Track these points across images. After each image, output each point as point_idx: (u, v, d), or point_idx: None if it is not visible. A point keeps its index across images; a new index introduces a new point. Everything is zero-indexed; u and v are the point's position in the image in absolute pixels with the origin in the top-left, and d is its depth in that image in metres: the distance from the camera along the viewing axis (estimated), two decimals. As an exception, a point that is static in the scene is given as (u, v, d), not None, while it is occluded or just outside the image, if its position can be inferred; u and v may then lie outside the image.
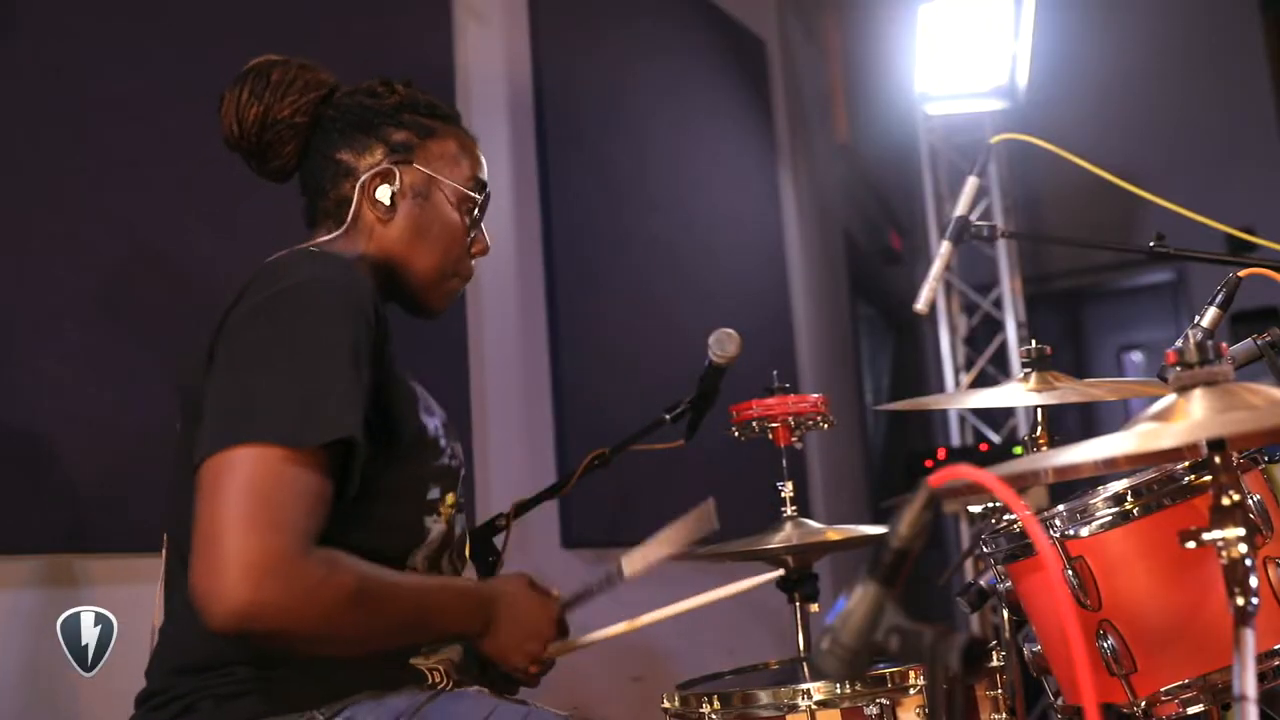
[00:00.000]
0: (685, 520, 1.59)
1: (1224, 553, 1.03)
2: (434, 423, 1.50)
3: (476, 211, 1.60)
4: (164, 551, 1.49)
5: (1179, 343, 1.09)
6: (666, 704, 1.64)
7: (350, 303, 1.33)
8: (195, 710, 1.35)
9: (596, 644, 1.63)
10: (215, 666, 1.35)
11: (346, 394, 1.28)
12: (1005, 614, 2.10)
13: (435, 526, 1.47)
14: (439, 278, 1.59)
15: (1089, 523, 1.55)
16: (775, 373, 1.85)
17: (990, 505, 2.04)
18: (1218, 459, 1.07)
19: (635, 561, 1.58)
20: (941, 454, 5.12)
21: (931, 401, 2.22)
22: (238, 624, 1.20)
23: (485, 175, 1.63)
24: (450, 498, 1.49)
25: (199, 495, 1.24)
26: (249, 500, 1.21)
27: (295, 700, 1.35)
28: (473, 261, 1.64)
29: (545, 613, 1.52)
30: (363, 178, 1.54)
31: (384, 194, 1.54)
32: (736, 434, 1.83)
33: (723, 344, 1.81)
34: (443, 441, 1.50)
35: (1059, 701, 1.74)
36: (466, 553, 1.59)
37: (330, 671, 1.36)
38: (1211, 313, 1.74)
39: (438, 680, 1.44)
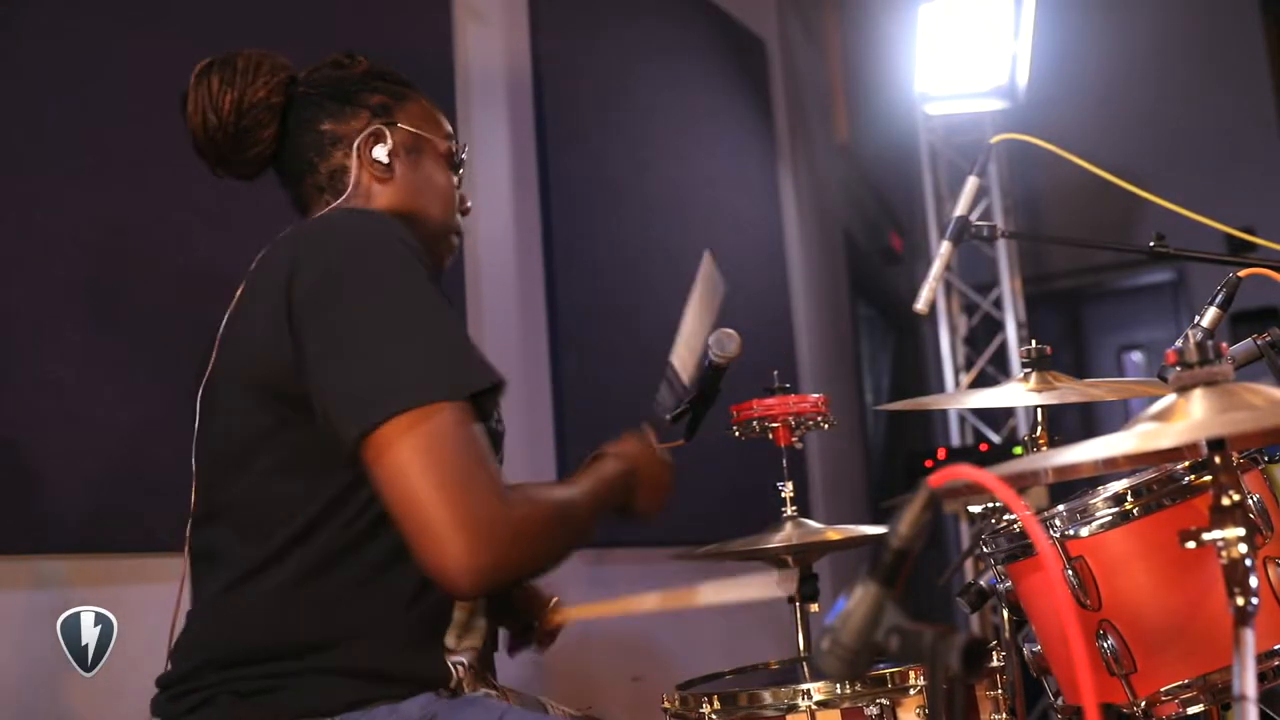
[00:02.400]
0: (697, 291, 1.74)
1: (1224, 553, 1.03)
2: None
3: (457, 166, 1.65)
4: (189, 532, 1.47)
5: (1179, 343, 1.09)
6: (666, 704, 1.64)
7: (414, 250, 1.35)
8: (213, 704, 1.35)
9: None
10: (243, 663, 1.35)
11: (468, 342, 1.33)
12: (1005, 614, 2.10)
13: None
14: (443, 231, 1.62)
15: (1089, 523, 1.55)
16: (775, 373, 1.86)
17: (990, 505, 2.04)
18: (1218, 459, 1.07)
19: (680, 354, 1.73)
20: (941, 454, 5.12)
21: (931, 401, 2.22)
22: (481, 586, 1.25)
23: (454, 135, 1.67)
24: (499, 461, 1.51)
25: (381, 475, 1.25)
26: (437, 466, 1.23)
27: (311, 706, 1.34)
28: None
29: (662, 462, 1.65)
30: (356, 140, 1.55)
31: (381, 153, 1.56)
32: (736, 434, 1.83)
33: (723, 344, 1.80)
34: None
35: (1059, 701, 1.74)
36: None
37: (354, 673, 1.35)
38: (1211, 313, 1.74)
39: (462, 675, 1.43)
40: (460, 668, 1.44)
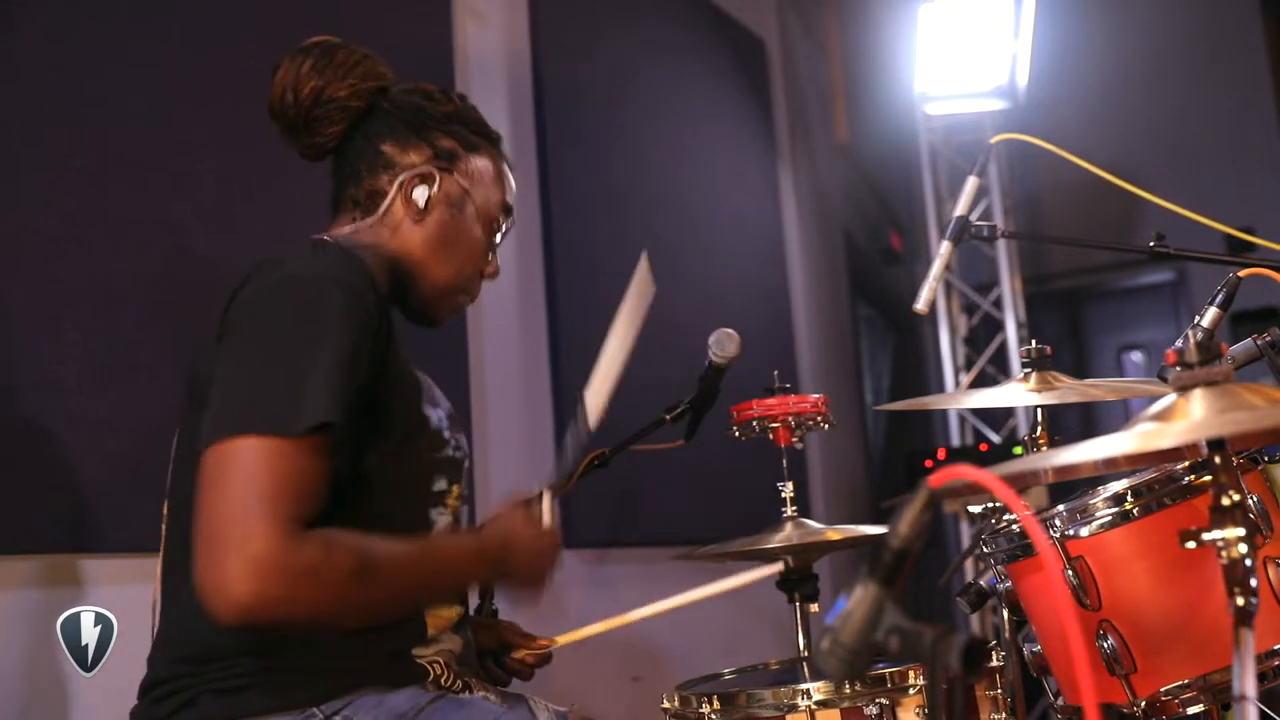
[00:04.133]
0: (626, 302, 1.68)
1: (1224, 553, 1.03)
2: (437, 414, 1.50)
3: (499, 235, 1.63)
4: (164, 531, 1.48)
5: (1179, 343, 1.09)
6: (666, 704, 1.64)
7: (347, 295, 1.34)
8: (195, 705, 1.36)
9: (600, 635, 1.65)
10: (217, 658, 1.36)
11: (328, 381, 1.29)
12: (1005, 614, 2.10)
13: (441, 519, 1.48)
14: (451, 290, 1.60)
15: (1089, 523, 1.55)
16: (775, 373, 1.86)
17: (990, 505, 2.04)
18: (1218, 459, 1.07)
19: (595, 394, 1.66)
20: (941, 454, 5.12)
21: (931, 401, 2.22)
22: (243, 617, 1.21)
23: (513, 201, 1.66)
24: (456, 489, 1.51)
25: (200, 486, 1.26)
26: (245, 493, 1.23)
27: (296, 696, 1.35)
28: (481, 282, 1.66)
29: (548, 537, 1.54)
30: (402, 175, 1.55)
31: (420, 195, 1.55)
32: (737, 434, 1.83)
33: (723, 344, 1.81)
34: (446, 433, 1.50)
35: (1059, 701, 1.74)
36: None
37: (333, 668, 1.36)
38: (1211, 313, 1.74)
39: (439, 674, 1.43)
40: (437, 665, 1.44)
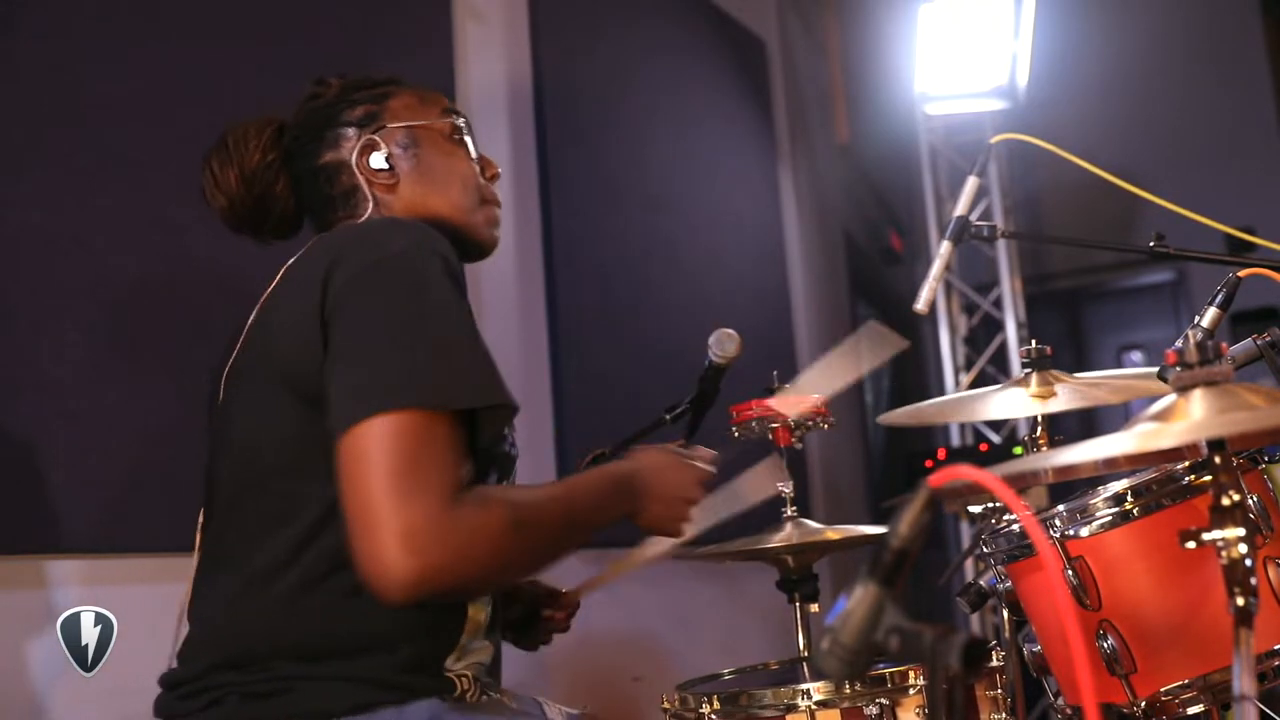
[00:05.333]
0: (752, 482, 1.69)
1: (1224, 553, 1.03)
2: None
3: (464, 136, 1.62)
4: (199, 531, 1.47)
5: (1179, 343, 1.09)
6: (666, 704, 1.64)
7: (450, 265, 1.35)
8: (221, 704, 1.35)
9: (623, 574, 1.66)
10: (252, 663, 1.35)
11: (487, 357, 1.33)
12: (1005, 614, 2.10)
13: None
14: (470, 208, 1.60)
15: (1089, 523, 1.56)
16: (775, 373, 1.85)
17: (990, 505, 2.04)
18: (1218, 459, 1.07)
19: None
20: (941, 454, 5.12)
21: (933, 415, 2.21)
22: (412, 594, 1.21)
23: (451, 104, 1.65)
24: (504, 485, 1.51)
25: (343, 469, 1.25)
26: (396, 469, 1.22)
27: (317, 708, 1.34)
28: (494, 185, 1.65)
29: (690, 476, 1.56)
30: (353, 160, 1.56)
31: (379, 160, 1.56)
32: (736, 434, 1.83)
33: (723, 344, 1.81)
34: (506, 427, 1.50)
35: (1059, 701, 1.74)
36: None
37: (362, 679, 1.35)
38: (1211, 313, 1.74)
39: (465, 687, 1.43)
40: (465, 680, 1.44)
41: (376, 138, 1.57)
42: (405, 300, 1.32)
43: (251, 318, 1.46)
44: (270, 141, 1.59)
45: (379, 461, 1.22)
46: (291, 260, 1.45)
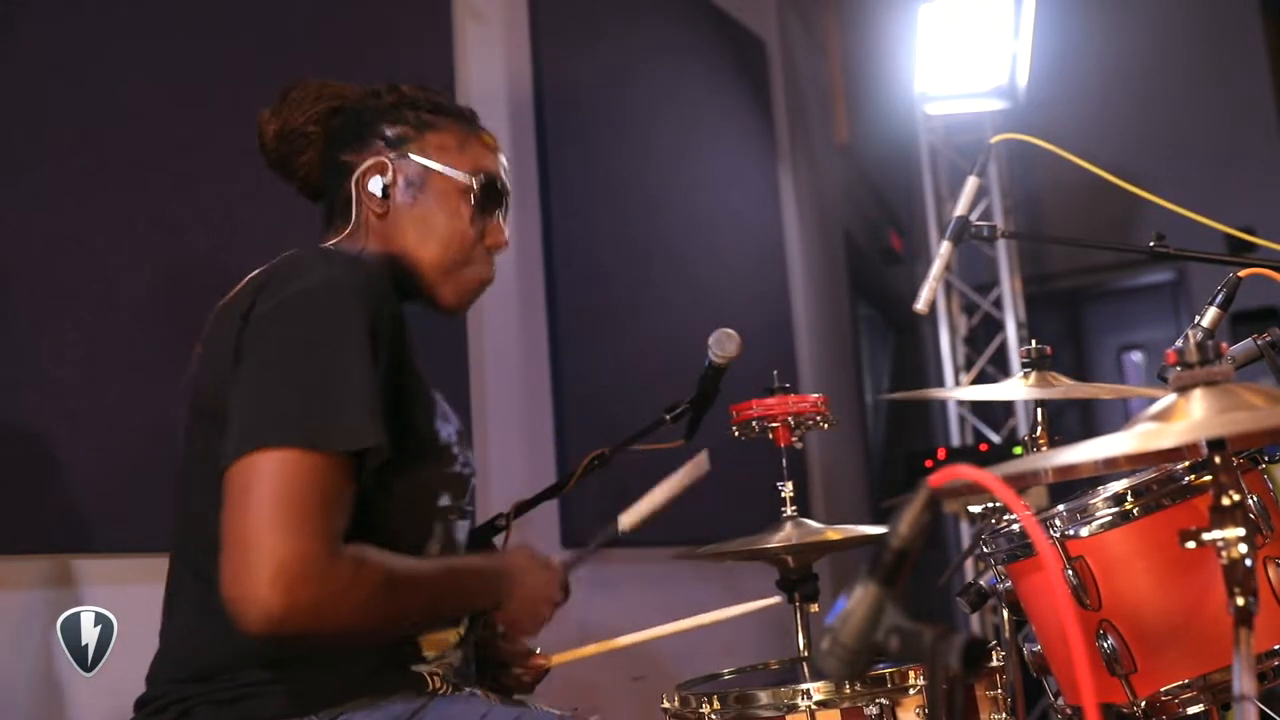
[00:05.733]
0: (680, 473, 1.69)
1: (1224, 553, 1.03)
2: (448, 430, 1.51)
3: (479, 202, 1.57)
4: (171, 555, 1.49)
5: (1179, 343, 1.09)
6: (666, 704, 1.64)
7: (367, 306, 1.34)
8: (192, 715, 1.36)
9: (597, 655, 1.66)
10: (216, 671, 1.36)
11: (369, 400, 1.30)
12: (1005, 614, 2.10)
13: (440, 531, 1.48)
14: (446, 268, 1.57)
15: (1089, 523, 1.55)
16: (775, 373, 1.85)
17: (990, 505, 2.04)
18: (1218, 459, 1.07)
19: (631, 515, 1.67)
20: (941, 454, 5.12)
21: (933, 391, 2.21)
22: (273, 628, 1.21)
23: (496, 167, 1.61)
24: (458, 504, 1.51)
25: (227, 499, 1.25)
26: (277, 504, 1.22)
27: (293, 705, 1.35)
28: (493, 256, 1.62)
29: (551, 577, 1.59)
30: (356, 173, 1.55)
31: (375, 186, 1.55)
32: (736, 434, 1.83)
33: (723, 344, 1.80)
34: (455, 449, 1.50)
35: (1059, 701, 1.74)
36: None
37: (329, 677, 1.37)
38: (1211, 313, 1.74)
39: (437, 685, 1.44)
40: (436, 678, 1.44)
41: (389, 162, 1.55)
42: (301, 338, 1.32)
43: (202, 339, 1.47)
44: (320, 115, 1.60)
45: (263, 494, 1.23)
46: (231, 293, 1.46)
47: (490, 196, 1.59)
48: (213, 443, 1.33)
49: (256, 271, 1.44)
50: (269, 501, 1.22)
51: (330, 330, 1.32)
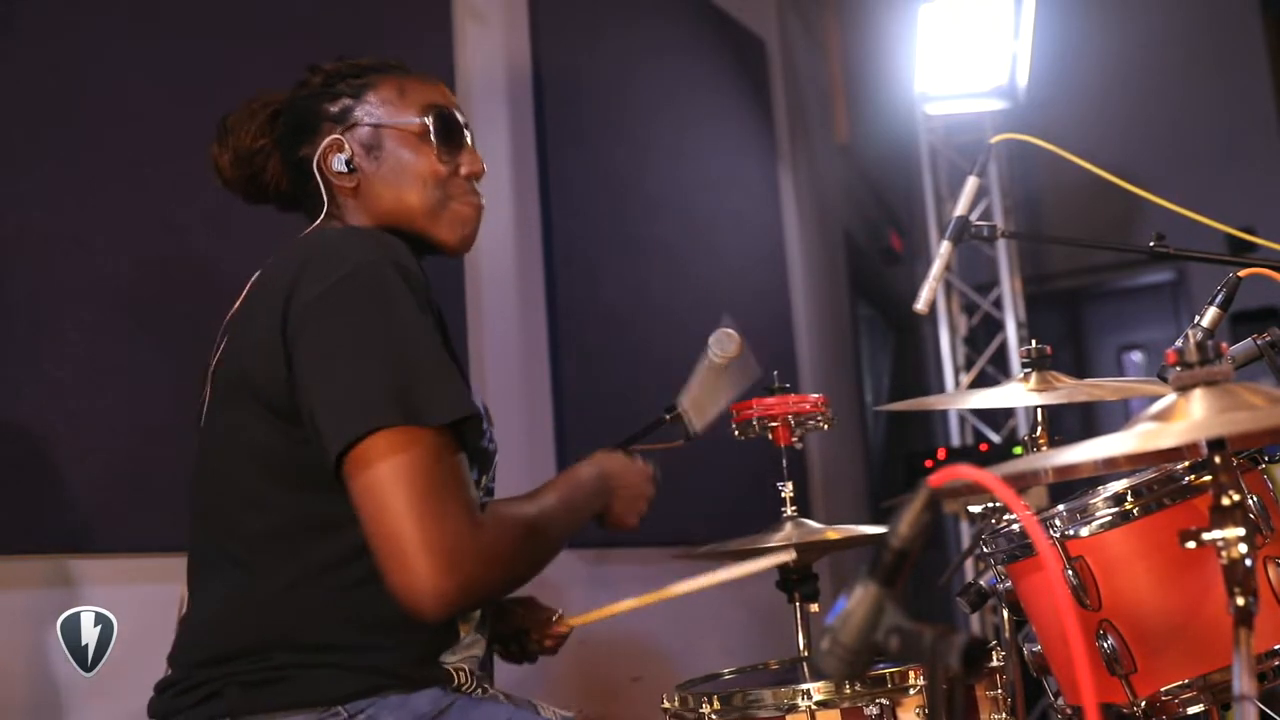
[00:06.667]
0: (717, 360, 1.75)
1: (1224, 553, 1.03)
2: (479, 403, 1.51)
3: (439, 136, 1.56)
4: (191, 536, 1.48)
5: (1179, 343, 1.09)
6: (666, 704, 1.64)
7: (411, 280, 1.36)
8: (220, 696, 1.36)
9: (614, 616, 1.69)
10: (246, 654, 1.36)
11: (454, 370, 1.35)
12: (1005, 614, 2.10)
13: None
14: (431, 210, 1.56)
15: (1089, 523, 1.55)
16: (775, 373, 1.85)
17: (990, 505, 2.04)
18: (1218, 459, 1.07)
19: (699, 414, 1.76)
20: (941, 454, 5.12)
21: (932, 401, 2.22)
22: (452, 611, 1.28)
23: (443, 98, 1.61)
24: (483, 480, 1.53)
25: (356, 491, 1.28)
26: (410, 489, 1.26)
27: (322, 694, 1.35)
28: (474, 185, 1.61)
29: (643, 471, 1.70)
30: (316, 158, 1.56)
31: (339, 164, 1.55)
32: (736, 434, 1.83)
33: (723, 344, 1.80)
34: (485, 423, 1.51)
35: (1059, 701, 1.74)
36: None
37: (360, 668, 1.36)
38: (1211, 313, 1.74)
39: (463, 681, 1.44)
40: (462, 673, 1.44)
41: (342, 138, 1.56)
42: (372, 318, 1.33)
43: (228, 320, 1.48)
44: (264, 126, 1.61)
45: (393, 480, 1.25)
46: (266, 264, 1.47)
47: (449, 128, 1.59)
48: (245, 420, 1.37)
49: (282, 250, 1.45)
50: (401, 489, 1.25)
51: (392, 309, 1.34)
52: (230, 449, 1.41)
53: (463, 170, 1.59)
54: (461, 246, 1.60)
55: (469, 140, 1.62)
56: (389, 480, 1.25)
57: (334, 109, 1.58)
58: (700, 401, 1.75)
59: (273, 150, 1.61)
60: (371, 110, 1.57)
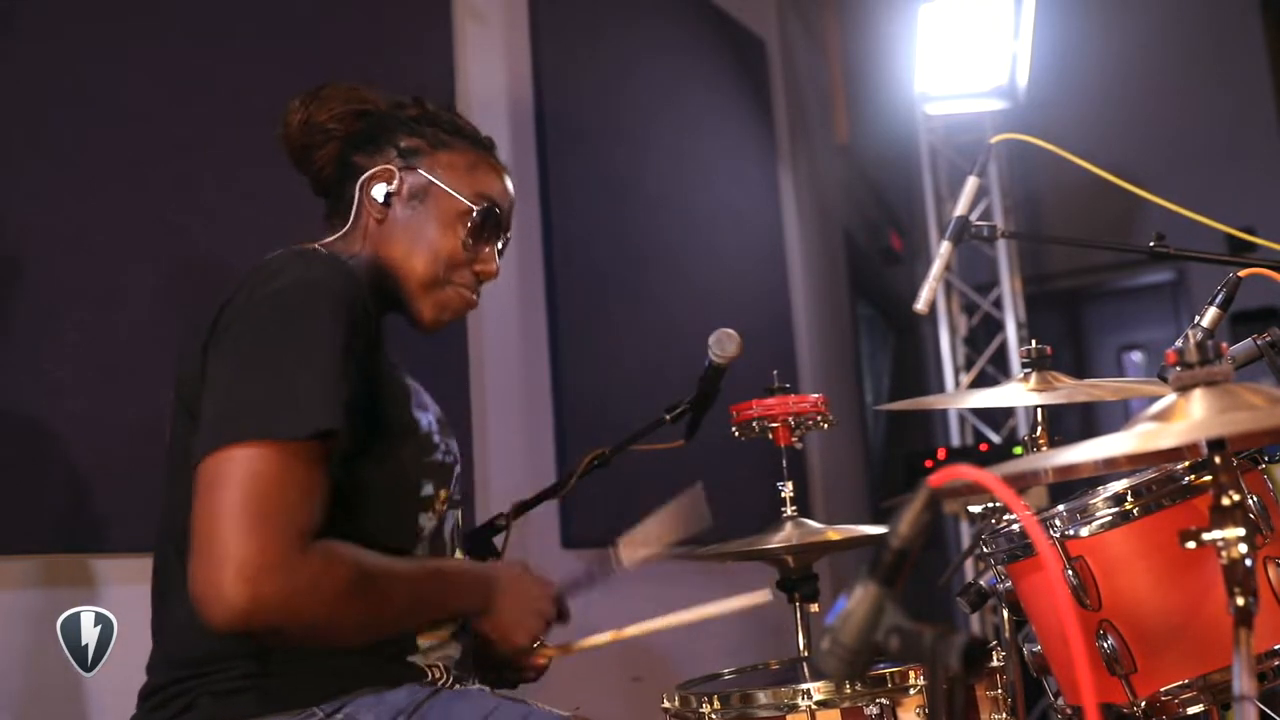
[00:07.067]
0: (675, 508, 1.67)
1: (1224, 553, 1.03)
2: (427, 418, 1.51)
3: (476, 228, 1.59)
4: (157, 546, 1.49)
5: (1179, 343, 1.09)
6: (666, 704, 1.64)
7: (335, 302, 1.35)
8: (194, 708, 1.36)
9: (596, 648, 1.65)
10: (214, 661, 1.36)
11: (325, 387, 1.30)
12: (1005, 614, 2.10)
13: (429, 524, 1.48)
14: (428, 283, 1.58)
15: (1089, 523, 1.55)
16: (775, 373, 1.85)
17: (990, 505, 2.04)
18: (1218, 459, 1.07)
19: (631, 551, 1.67)
20: (941, 454, 5.12)
21: (932, 401, 2.22)
22: (239, 623, 1.22)
23: (502, 198, 1.63)
24: (444, 494, 1.51)
25: (196, 496, 1.26)
26: (243, 499, 1.23)
27: (295, 697, 1.35)
28: (479, 284, 1.63)
29: (544, 590, 1.57)
30: (363, 177, 1.57)
31: (379, 192, 1.57)
32: (736, 434, 1.83)
33: (723, 344, 1.80)
34: (436, 437, 1.50)
35: (1059, 701, 1.73)
36: (457, 552, 1.59)
37: (331, 668, 1.37)
38: (1211, 313, 1.74)
39: (438, 677, 1.44)
40: (436, 669, 1.44)
41: (396, 172, 1.57)
42: (270, 333, 1.33)
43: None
44: (346, 115, 1.63)
45: (226, 491, 1.24)
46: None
47: (489, 224, 1.61)
48: (186, 434, 1.36)
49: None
50: (231, 498, 1.23)
51: (295, 325, 1.33)
52: (178, 456, 1.42)
53: (477, 266, 1.61)
54: (432, 327, 1.62)
55: (503, 245, 1.65)
56: (221, 490, 1.24)
57: (406, 144, 1.60)
58: (637, 541, 1.71)
59: (338, 139, 1.62)
60: (436, 166, 1.59)
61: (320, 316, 1.33)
